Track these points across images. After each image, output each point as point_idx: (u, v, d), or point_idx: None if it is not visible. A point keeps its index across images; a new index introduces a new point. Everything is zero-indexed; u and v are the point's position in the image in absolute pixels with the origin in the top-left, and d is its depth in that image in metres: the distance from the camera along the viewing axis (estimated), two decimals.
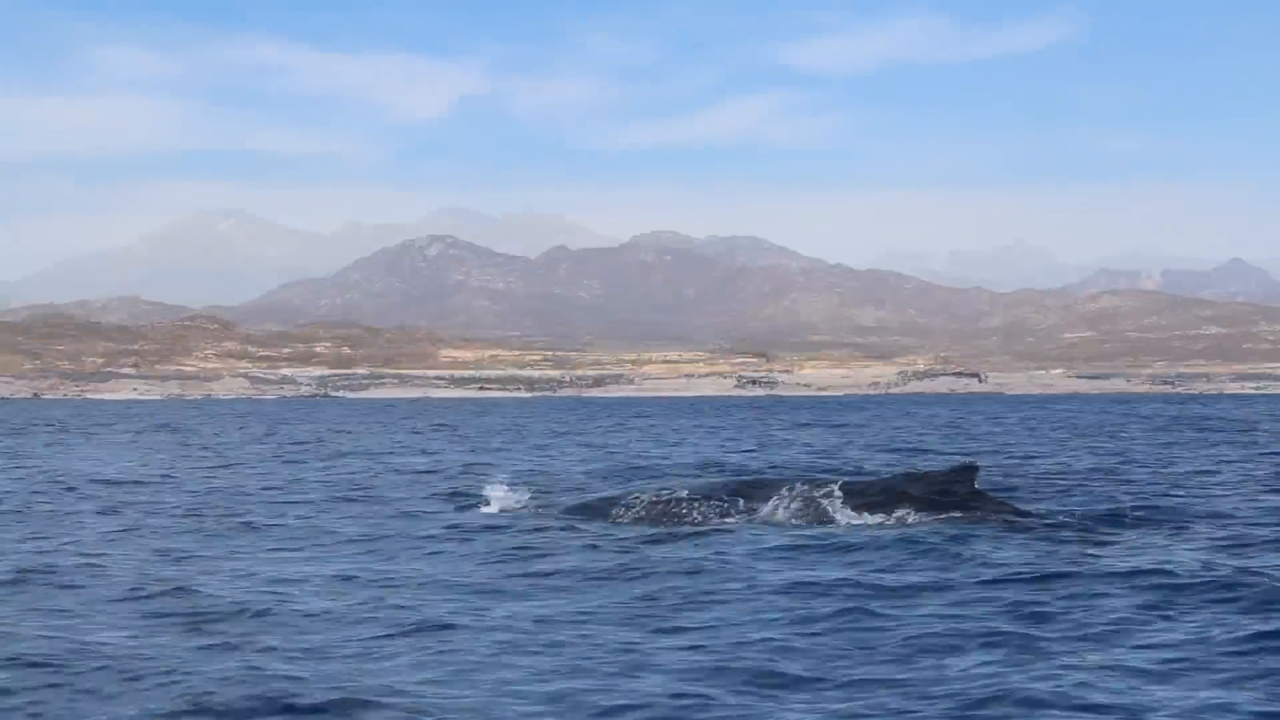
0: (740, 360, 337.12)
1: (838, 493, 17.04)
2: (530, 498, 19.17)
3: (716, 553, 14.15)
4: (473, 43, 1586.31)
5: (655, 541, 15.38)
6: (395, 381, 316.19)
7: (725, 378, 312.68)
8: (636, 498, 18.36)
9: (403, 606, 11.42)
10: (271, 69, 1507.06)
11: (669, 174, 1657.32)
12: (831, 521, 16.56)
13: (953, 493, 16.84)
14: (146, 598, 11.94)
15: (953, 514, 16.55)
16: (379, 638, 10.21)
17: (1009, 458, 32.94)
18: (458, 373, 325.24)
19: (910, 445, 40.80)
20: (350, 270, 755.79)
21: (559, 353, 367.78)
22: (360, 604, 11.57)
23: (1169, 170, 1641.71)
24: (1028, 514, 17.05)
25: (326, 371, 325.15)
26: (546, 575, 13.15)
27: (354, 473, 28.41)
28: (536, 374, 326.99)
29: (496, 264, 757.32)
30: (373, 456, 35.83)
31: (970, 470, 17.32)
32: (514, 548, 14.87)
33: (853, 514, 16.68)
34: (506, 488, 19.61)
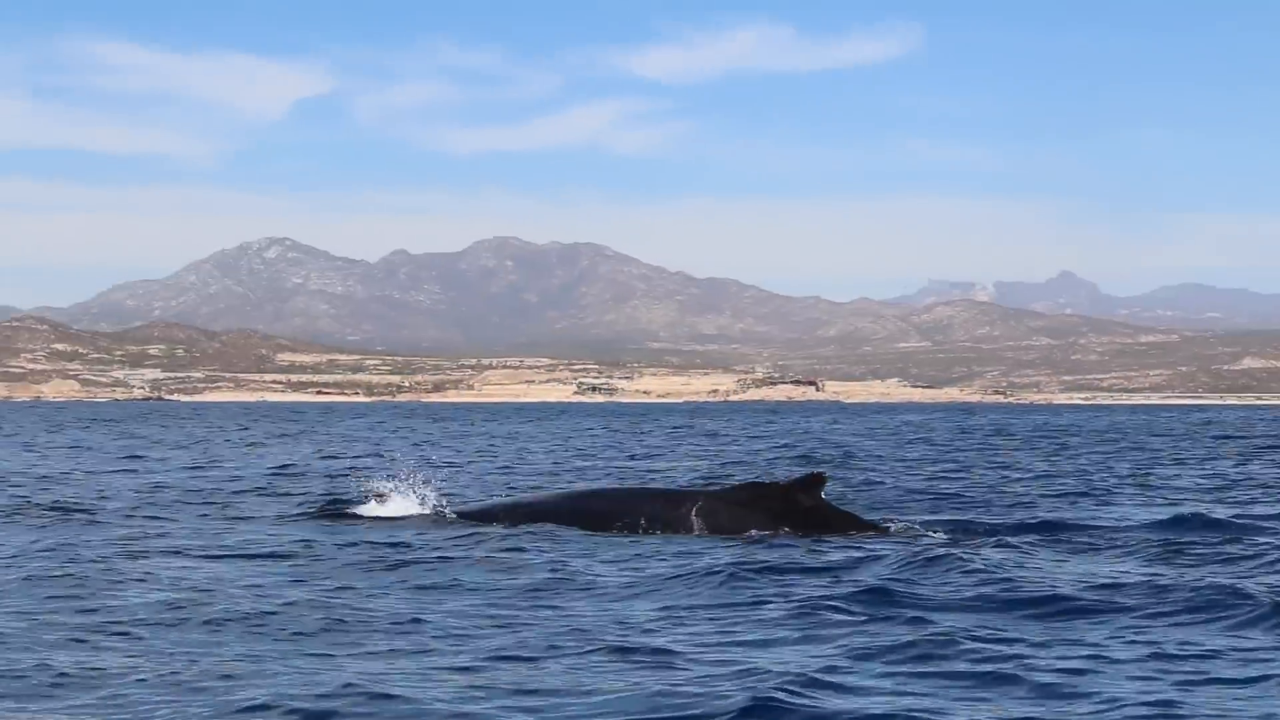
0: (581, 367, 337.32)
1: (690, 509, 16.93)
2: (399, 508, 18.88)
3: (556, 572, 14.03)
4: (313, 45, 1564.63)
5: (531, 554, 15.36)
6: (231, 385, 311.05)
7: (565, 384, 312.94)
8: (497, 507, 18.44)
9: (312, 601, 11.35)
10: (100, 67, 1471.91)
11: (511, 179, 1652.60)
12: (681, 534, 16.49)
13: (800, 504, 16.73)
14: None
15: (803, 527, 16.48)
16: (338, 644, 10.14)
17: (871, 466, 33.39)
18: (295, 377, 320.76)
19: (777, 456, 41.14)
20: (185, 272, 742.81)
21: (399, 357, 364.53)
22: (291, 605, 11.46)
23: (1002, 183, 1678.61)
24: (876, 524, 17.19)
25: (160, 374, 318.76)
26: (445, 587, 13.08)
27: (227, 479, 27.93)
28: (376, 379, 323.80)
29: (336, 267, 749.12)
30: (242, 461, 35.28)
31: (817, 480, 17.10)
32: (409, 561, 14.71)
33: (703, 528, 16.60)
34: (381, 497, 19.38)
